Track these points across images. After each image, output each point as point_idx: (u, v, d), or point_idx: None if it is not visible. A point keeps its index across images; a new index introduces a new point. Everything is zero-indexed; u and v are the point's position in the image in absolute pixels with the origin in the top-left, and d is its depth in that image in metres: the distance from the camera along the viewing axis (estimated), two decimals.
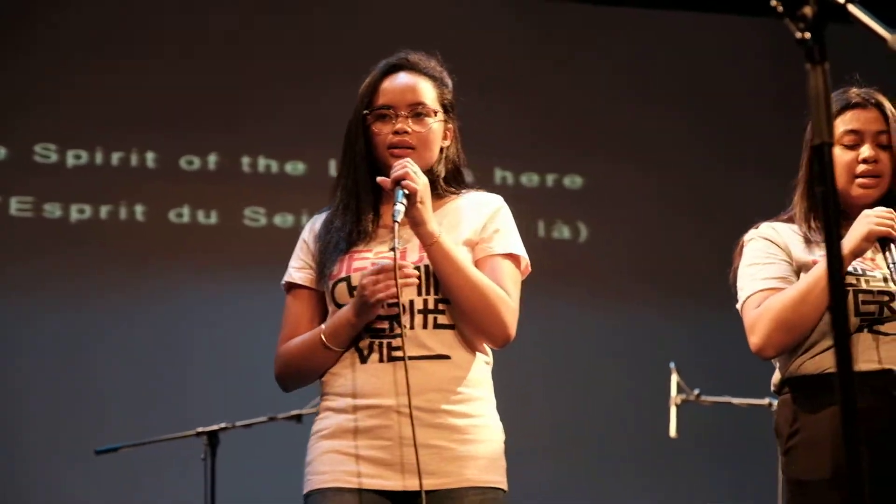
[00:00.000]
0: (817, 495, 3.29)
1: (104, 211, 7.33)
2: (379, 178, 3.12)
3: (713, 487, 7.21)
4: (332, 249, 3.19)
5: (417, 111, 3.24)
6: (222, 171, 7.49)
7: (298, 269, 3.28)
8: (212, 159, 7.51)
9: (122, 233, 7.32)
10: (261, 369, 6.87)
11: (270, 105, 7.45)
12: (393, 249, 3.01)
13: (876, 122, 3.50)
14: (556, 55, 8.05)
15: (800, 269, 3.45)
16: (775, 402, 5.75)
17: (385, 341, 3.11)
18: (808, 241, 3.49)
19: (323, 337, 3.12)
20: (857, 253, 3.35)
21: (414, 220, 3.06)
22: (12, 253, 7.16)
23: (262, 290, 7.01)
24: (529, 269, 3.33)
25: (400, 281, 3.00)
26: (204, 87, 7.45)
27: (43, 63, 7.30)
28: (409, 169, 3.08)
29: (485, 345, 3.25)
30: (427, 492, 3.02)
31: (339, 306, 3.15)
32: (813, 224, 3.51)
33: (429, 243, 3.08)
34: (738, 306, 3.54)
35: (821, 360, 3.39)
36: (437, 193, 3.26)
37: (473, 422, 3.16)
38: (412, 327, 3.11)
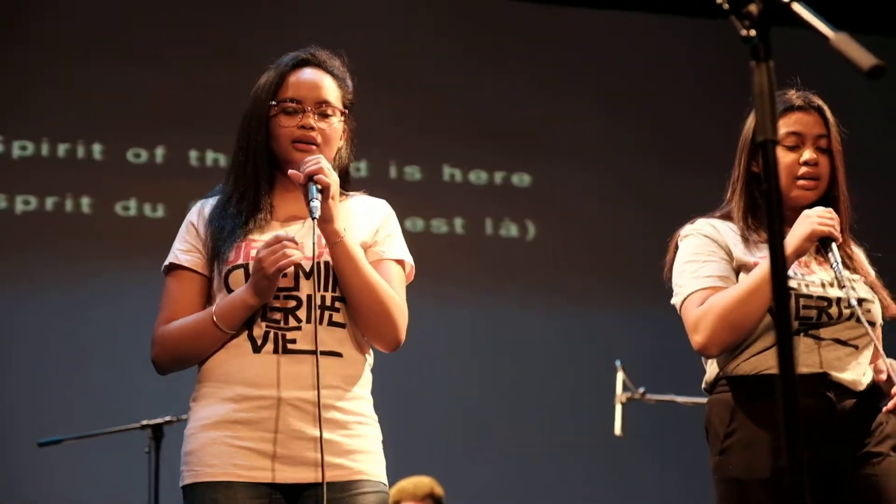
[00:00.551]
0: (754, 495, 3.30)
1: (50, 202, 7.28)
2: (291, 172, 3.11)
3: (658, 485, 7.24)
4: (226, 236, 3.15)
5: (323, 109, 3.22)
6: (169, 165, 7.46)
7: (185, 252, 3.21)
8: (159, 153, 7.48)
9: (68, 225, 7.27)
10: None
11: (218, 99, 7.41)
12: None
13: (817, 126, 3.52)
14: (503, 56, 8.08)
15: (739, 268, 3.46)
16: None
17: (280, 332, 3.08)
18: (746, 241, 3.50)
19: (214, 317, 3.08)
20: (800, 253, 3.37)
21: (323, 217, 3.05)
22: None
23: None
24: (414, 273, 3.33)
25: (290, 255, 3.01)
26: (152, 81, 7.42)
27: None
28: (323, 164, 3.08)
29: (370, 346, 3.24)
30: (319, 484, 3.00)
31: (231, 291, 3.11)
32: (751, 223, 3.53)
33: (334, 241, 3.08)
34: (676, 303, 3.53)
35: (758, 361, 3.41)
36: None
37: (360, 419, 3.14)
38: (309, 321, 3.08)
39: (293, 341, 3.08)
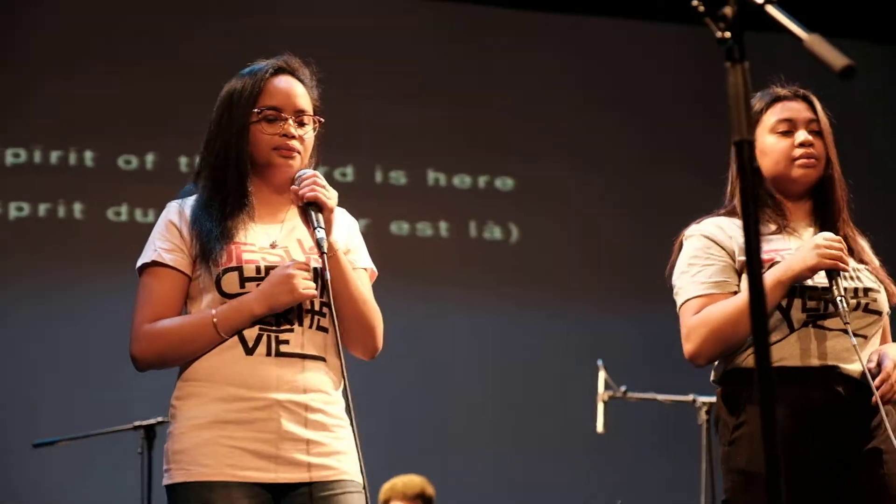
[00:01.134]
0: (760, 486, 3.28)
1: (42, 209, 7.28)
2: (293, 195, 3.14)
3: (639, 480, 7.24)
4: (215, 239, 3.13)
5: (302, 119, 3.24)
6: (159, 171, 7.46)
7: (169, 251, 3.18)
8: (149, 159, 7.49)
9: (61, 231, 7.27)
10: None
11: (206, 106, 7.41)
12: (274, 246, 3.11)
13: (806, 112, 3.56)
14: (487, 60, 8.09)
15: (742, 268, 3.45)
16: (699, 399, 5.82)
17: (274, 335, 3.09)
18: None
19: (215, 322, 3.07)
20: (800, 280, 3.36)
21: (321, 227, 3.10)
22: None
23: None
24: (375, 275, 3.35)
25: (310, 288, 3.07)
26: (141, 88, 7.42)
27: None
28: (319, 188, 3.11)
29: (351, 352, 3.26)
30: (310, 483, 3.04)
31: (223, 294, 3.10)
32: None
33: (330, 254, 3.09)
34: (677, 307, 3.54)
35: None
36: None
37: (339, 422, 3.15)
38: (300, 324, 3.11)
39: (286, 342, 3.09)
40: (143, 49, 7.50)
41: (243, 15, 7.71)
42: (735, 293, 3.46)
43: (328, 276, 3.06)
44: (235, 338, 3.09)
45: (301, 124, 3.23)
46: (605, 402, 6.11)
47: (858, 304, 3.41)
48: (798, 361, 3.36)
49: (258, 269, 3.11)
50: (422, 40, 7.97)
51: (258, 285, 3.08)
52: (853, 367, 3.36)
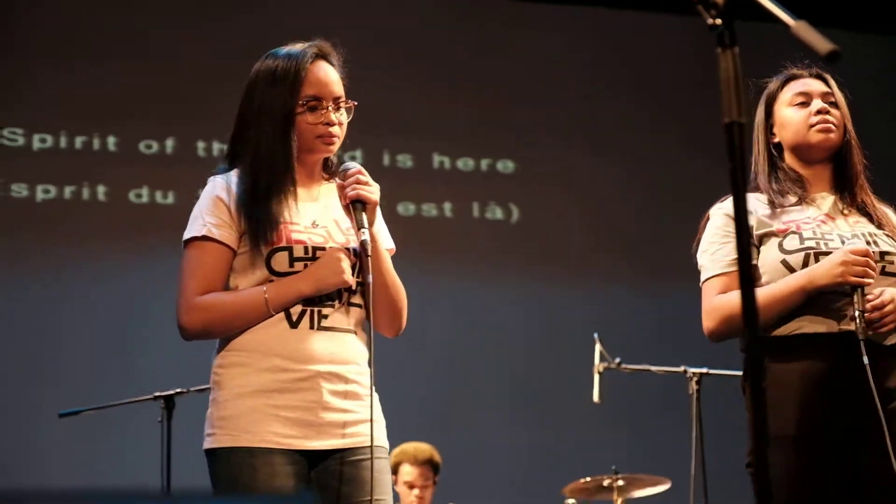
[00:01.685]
0: (781, 450, 3.28)
1: (68, 191, 7.28)
2: (341, 200, 3.18)
3: (633, 447, 7.24)
4: (265, 219, 3.13)
5: (339, 105, 3.25)
6: (178, 155, 7.46)
7: (217, 227, 3.17)
8: (169, 143, 7.48)
9: (85, 212, 7.27)
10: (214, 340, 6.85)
11: (222, 92, 7.41)
12: (316, 225, 3.16)
13: (821, 86, 3.57)
14: (492, 46, 8.07)
15: (763, 236, 3.44)
16: (690, 370, 5.81)
17: (316, 310, 3.12)
18: (773, 207, 3.48)
19: (266, 299, 3.09)
20: (825, 288, 3.32)
21: (367, 222, 3.15)
22: None
23: None
24: (394, 251, 3.37)
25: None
26: (162, 76, 7.42)
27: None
28: (361, 187, 3.15)
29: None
30: (344, 449, 3.10)
31: (273, 272, 3.12)
32: (776, 189, 3.52)
33: (373, 245, 3.15)
34: (700, 283, 3.53)
35: (789, 322, 3.37)
36: (329, 174, 3.34)
37: (369, 391, 3.18)
38: (340, 301, 3.15)
39: (326, 317, 3.13)
40: (162, 39, 7.49)
41: (262, 4, 7.71)
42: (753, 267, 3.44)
43: (369, 279, 3.11)
44: (281, 312, 3.12)
45: (338, 109, 3.24)
46: (600, 374, 6.10)
47: (882, 267, 3.38)
48: (817, 328, 3.34)
49: (306, 250, 3.14)
50: (428, 27, 7.96)
51: (306, 265, 3.12)
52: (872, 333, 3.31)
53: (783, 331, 3.37)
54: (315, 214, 3.22)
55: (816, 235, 3.40)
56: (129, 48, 7.42)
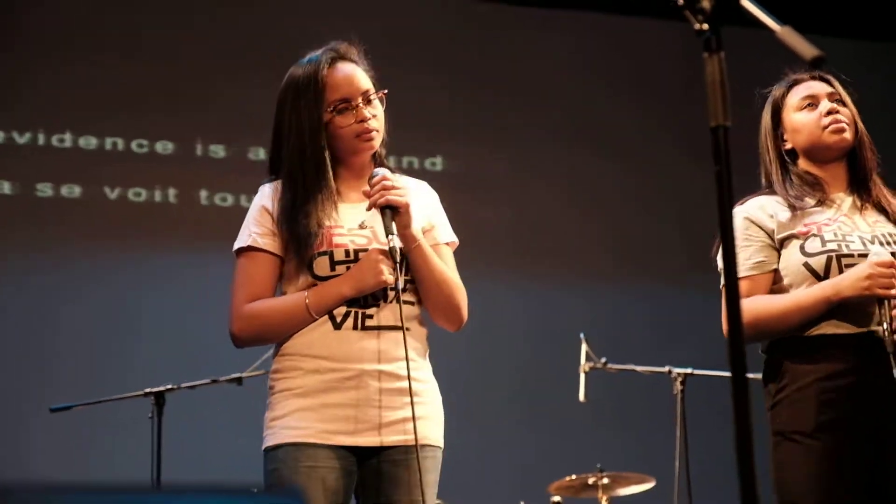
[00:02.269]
0: (802, 449, 3.29)
1: (65, 189, 7.26)
2: (368, 206, 3.17)
3: (618, 446, 7.24)
4: (306, 226, 3.17)
5: (369, 97, 3.26)
6: (174, 154, 7.46)
7: (262, 235, 3.23)
8: (164, 143, 7.48)
9: (78, 210, 7.26)
10: (205, 336, 6.84)
11: (220, 94, 7.42)
12: (363, 227, 3.17)
13: (825, 87, 3.57)
14: (489, 49, 8.07)
15: (784, 239, 3.44)
16: (675, 370, 5.82)
17: (360, 311, 3.15)
18: (793, 209, 3.48)
19: (307, 304, 3.14)
20: (851, 300, 3.31)
21: (402, 223, 3.15)
22: None
23: (206, 263, 7.03)
24: (456, 244, 3.42)
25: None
26: (156, 75, 7.41)
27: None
28: (388, 190, 3.14)
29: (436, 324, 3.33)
30: (389, 447, 3.12)
31: (316, 276, 3.16)
32: (793, 192, 3.51)
33: (412, 246, 3.17)
34: (721, 286, 3.53)
35: (810, 323, 3.38)
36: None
37: (425, 386, 3.23)
38: (385, 300, 3.16)
39: (370, 317, 3.15)
40: (162, 41, 7.48)
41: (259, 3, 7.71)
42: (774, 270, 3.45)
43: (399, 285, 3.13)
44: (326, 315, 3.16)
45: (369, 102, 3.25)
46: (586, 373, 6.11)
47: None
48: (838, 329, 3.34)
49: (347, 253, 3.17)
50: (429, 29, 7.95)
51: (348, 268, 3.15)
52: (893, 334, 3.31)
53: (803, 332, 3.38)
54: (364, 215, 3.23)
55: (837, 237, 3.40)
56: (120, 46, 7.39)
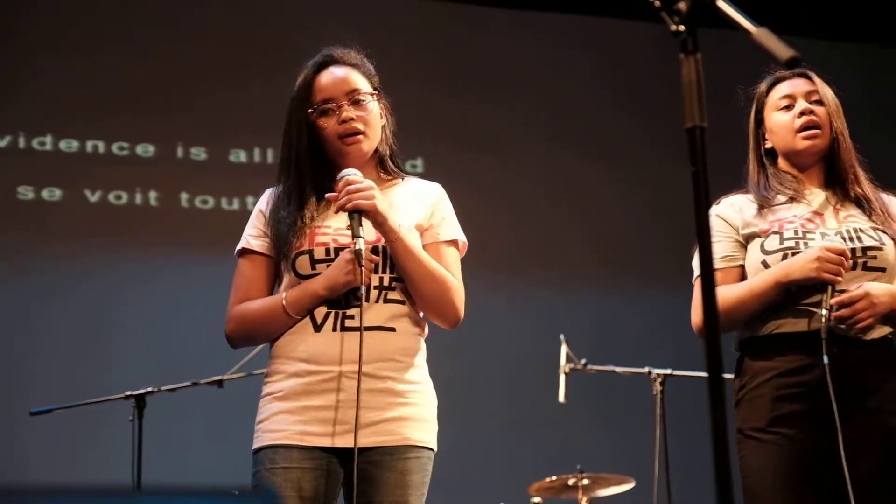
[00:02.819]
0: (757, 445, 3.32)
1: (46, 193, 7.24)
2: (334, 203, 3.14)
3: (597, 446, 7.25)
4: (289, 225, 3.19)
5: (356, 98, 3.26)
6: (154, 157, 7.44)
7: (255, 238, 3.27)
8: (144, 146, 7.46)
9: (61, 212, 7.24)
10: (186, 338, 6.84)
11: (201, 97, 7.41)
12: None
13: (805, 85, 3.58)
14: (477, 52, 8.08)
15: (748, 236, 3.48)
16: (654, 371, 5.83)
17: (340, 312, 3.13)
18: (761, 208, 3.51)
19: (284, 304, 3.14)
20: (800, 282, 3.35)
21: (375, 221, 3.12)
22: None
23: (187, 266, 7.02)
24: (466, 247, 3.40)
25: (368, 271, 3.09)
26: (140, 79, 7.39)
27: None
28: (352, 189, 3.11)
29: (424, 319, 3.30)
30: (369, 448, 3.08)
31: (298, 275, 3.17)
32: (765, 190, 3.54)
33: (391, 239, 3.13)
34: (693, 280, 3.52)
35: (770, 322, 3.41)
36: (386, 173, 3.35)
37: (412, 387, 3.19)
38: (367, 300, 3.12)
39: (351, 317, 3.13)
40: (143, 43, 7.46)
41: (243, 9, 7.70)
42: (741, 266, 3.49)
43: (361, 291, 3.08)
44: (307, 317, 3.16)
45: (357, 103, 3.25)
46: (566, 374, 6.11)
47: (855, 263, 3.39)
48: (795, 327, 3.36)
49: (328, 251, 3.17)
50: (418, 32, 7.96)
51: (328, 265, 3.14)
52: (850, 329, 3.33)
53: (763, 330, 3.41)
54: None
55: (798, 235, 3.42)
56: (100, 49, 7.38)
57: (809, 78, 3.58)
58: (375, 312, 3.14)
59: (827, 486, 3.30)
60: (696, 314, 3.47)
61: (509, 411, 7.55)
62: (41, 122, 7.29)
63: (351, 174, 3.16)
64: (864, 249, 3.41)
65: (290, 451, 3.09)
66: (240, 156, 7.40)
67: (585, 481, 6.09)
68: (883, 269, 3.41)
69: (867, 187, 3.56)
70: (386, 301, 3.16)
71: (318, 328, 3.14)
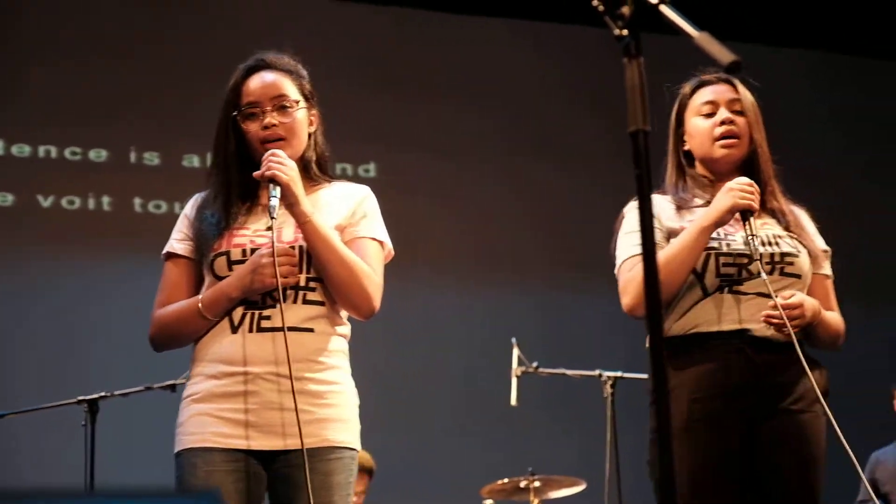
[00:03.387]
0: (678, 444, 3.29)
1: (9, 198, 7.21)
2: (255, 174, 3.13)
3: (548, 448, 7.26)
4: (209, 227, 3.19)
5: (282, 104, 3.24)
6: (117, 164, 7.42)
7: (179, 241, 3.26)
8: (111, 152, 7.44)
9: (13, 218, 7.20)
10: (138, 343, 6.78)
11: (154, 102, 7.39)
12: (269, 229, 3.07)
13: (729, 93, 3.57)
14: (430, 56, 8.08)
15: (669, 234, 3.47)
16: (605, 374, 5.85)
17: (256, 312, 3.11)
18: (678, 209, 3.51)
19: (200, 306, 3.12)
20: (721, 223, 3.38)
21: (288, 202, 3.10)
22: None
23: (139, 271, 6.97)
24: (392, 254, 3.35)
25: (285, 269, 3.07)
26: (93, 85, 7.36)
27: None
28: (274, 161, 3.11)
29: (345, 319, 3.27)
30: (290, 451, 3.05)
31: (217, 277, 3.15)
32: (682, 193, 3.55)
33: (302, 221, 3.11)
34: (616, 271, 3.53)
35: (686, 321, 3.41)
36: (311, 178, 3.31)
37: (332, 388, 3.16)
38: (284, 301, 3.09)
39: (267, 318, 3.10)
40: (96, 49, 7.43)
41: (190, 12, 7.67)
42: None
43: (296, 240, 3.10)
44: (225, 318, 3.14)
45: (282, 109, 3.23)
46: (518, 377, 6.13)
47: (773, 268, 3.41)
48: (713, 326, 3.36)
49: (244, 252, 3.15)
50: (371, 36, 7.97)
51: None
52: (768, 332, 3.36)
53: (680, 330, 3.40)
54: (276, 222, 3.15)
55: (720, 236, 3.42)
56: (52, 55, 7.35)
57: (733, 85, 3.58)
58: (293, 313, 3.11)
59: (741, 486, 3.32)
60: (628, 294, 3.43)
61: (461, 414, 7.56)
62: (9, 127, 7.25)
63: (278, 151, 3.16)
64: (783, 255, 3.44)
65: (211, 453, 3.06)
66: (193, 161, 7.38)
67: (537, 483, 6.11)
68: (798, 276, 3.45)
69: (782, 200, 3.58)
70: (305, 302, 3.14)
71: (234, 329, 3.12)
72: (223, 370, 3.10)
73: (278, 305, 3.08)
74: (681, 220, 3.49)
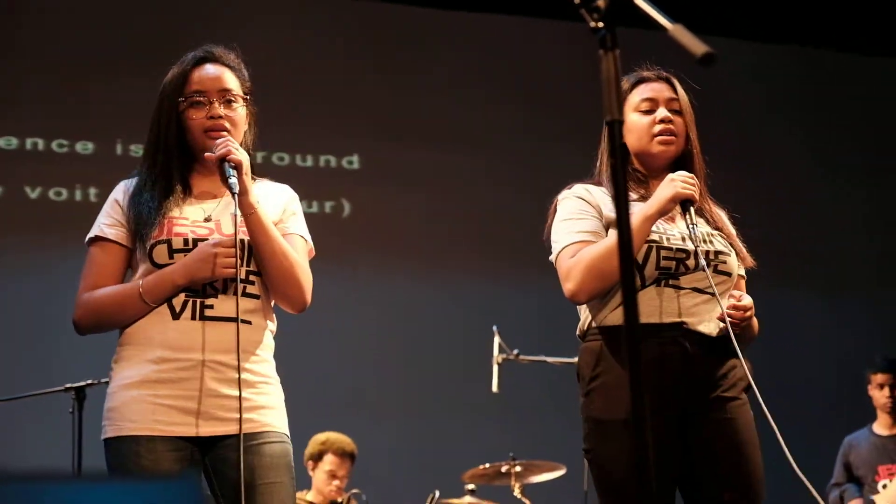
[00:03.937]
0: (612, 433, 3.31)
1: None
2: (206, 155, 3.15)
3: (529, 434, 7.28)
4: (147, 214, 3.17)
5: (227, 98, 3.25)
6: (93, 155, 7.40)
7: (110, 226, 3.23)
8: (83, 143, 7.42)
9: (2, 208, 7.21)
10: None
11: (141, 94, 7.37)
12: (208, 220, 3.12)
13: (667, 92, 3.58)
14: (387, 50, 8.08)
15: (609, 225, 3.47)
16: None
17: (199, 301, 3.11)
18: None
19: (140, 291, 3.10)
20: (664, 212, 3.38)
21: (239, 190, 3.10)
22: None
23: None
24: (314, 253, 3.36)
25: (230, 260, 3.08)
26: (79, 77, 7.35)
27: None
28: (232, 145, 3.12)
29: (274, 315, 3.27)
30: (233, 436, 3.04)
31: (154, 264, 3.13)
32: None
33: (249, 212, 3.11)
34: (553, 258, 3.52)
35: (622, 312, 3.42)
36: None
37: (263, 379, 3.17)
38: (224, 292, 3.11)
39: (210, 307, 3.10)
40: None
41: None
42: None
43: (240, 221, 3.08)
44: (165, 304, 3.11)
45: (228, 103, 3.24)
46: (499, 364, 6.14)
47: (709, 263, 3.41)
48: (649, 318, 3.36)
49: (186, 242, 3.14)
50: (343, 32, 7.95)
51: (185, 256, 3.11)
52: (700, 325, 3.38)
53: (615, 320, 3.41)
54: (211, 210, 3.21)
55: (659, 230, 3.43)
56: (40, 48, 7.34)
57: (671, 84, 3.59)
58: (233, 304, 3.10)
59: (678, 474, 3.34)
60: (570, 280, 3.40)
61: (444, 401, 7.58)
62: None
63: (231, 137, 3.17)
64: (717, 253, 3.46)
65: (153, 441, 3.04)
66: None
67: (518, 468, 6.13)
68: (729, 275, 3.47)
69: (710, 200, 3.61)
70: (244, 294, 3.14)
71: (176, 316, 3.10)
72: (163, 355, 3.08)
73: (228, 294, 3.10)
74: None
